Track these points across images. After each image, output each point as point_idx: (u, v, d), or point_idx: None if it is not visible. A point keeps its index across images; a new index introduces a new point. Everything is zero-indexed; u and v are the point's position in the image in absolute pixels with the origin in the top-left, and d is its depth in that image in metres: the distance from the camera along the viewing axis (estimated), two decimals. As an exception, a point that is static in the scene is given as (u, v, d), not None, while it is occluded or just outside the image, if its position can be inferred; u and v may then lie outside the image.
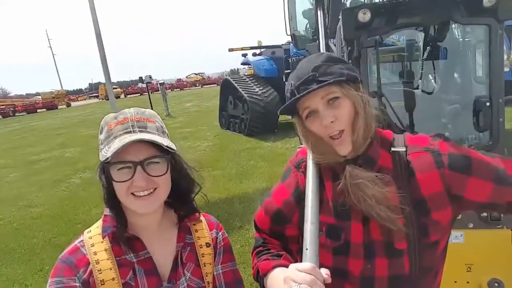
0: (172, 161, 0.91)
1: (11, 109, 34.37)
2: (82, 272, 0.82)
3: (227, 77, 11.32)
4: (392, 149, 0.91)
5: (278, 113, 1.00)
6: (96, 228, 0.89)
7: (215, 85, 42.13)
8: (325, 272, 0.73)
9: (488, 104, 1.73)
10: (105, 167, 0.84)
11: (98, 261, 0.83)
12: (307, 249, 0.78)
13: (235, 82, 9.85)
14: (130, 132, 0.83)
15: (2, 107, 35.06)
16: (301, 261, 0.78)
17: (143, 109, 0.90)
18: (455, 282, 1.73)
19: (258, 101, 8.99)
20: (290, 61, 8.93)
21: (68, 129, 15.68)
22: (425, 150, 0.88)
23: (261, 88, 9.37)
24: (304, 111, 0.89)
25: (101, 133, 0.86)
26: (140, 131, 0.83)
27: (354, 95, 0.86)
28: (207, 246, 0.98)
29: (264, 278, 0.90)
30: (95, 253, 0.84)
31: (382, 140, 0.92)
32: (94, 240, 0.86)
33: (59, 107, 38.24)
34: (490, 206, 0.87)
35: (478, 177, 0.84)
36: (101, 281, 0.82)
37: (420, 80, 2.36)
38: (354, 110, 0.86)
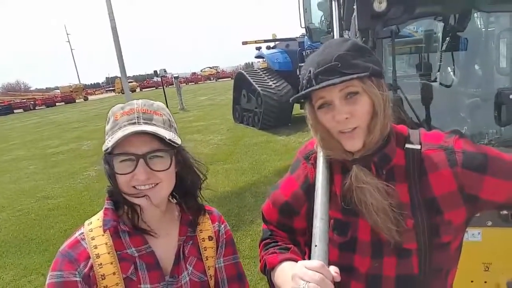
0: (179, 156, 0.88)
1: (32, 103, 35.23)
2: (83, 266, 0.81)
3: (241, 70, 11.28)
4: (406, 145, 0.86)
5: (290, 100, 0.99)
6: (97, 221, 0.87)
7: (230, 78, 42.12)
8: (334, 270, 0.70)
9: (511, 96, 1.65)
10: (108, 158, 0.82)
11: (98, 255, 0.82)
12: (316, 246, 0.74)
13: (249, 76, 9.79)
14: (134, 123, 0.80)
15: (24, 101, 36.05)
16: (309, 255, 0.75)
17: (152, 101, 0.88)
18: (472, 281, 1.67)
19: (272, 95, 8.92)
20: (304, 54, 8.80)
21: (85, 123, 15.98)
22: (438, 147, 0.84)
23: (274, 81, 9.28)
24: (318, 101, 0.83)
25: (107, 123, 0.85)
26: (145, 123, 0.81)
27: (376, 93, 0.80)
28: (209, 240, 0.96)
29: (271, 271, 0.88)
30: (95, 247, 0.83)
31: (397, 136, 0.87)
32: (94, 233, 0.85)
33: (76, 100, 38.99)
34: (510, 206, 0.84)
35: (495, 176, 0.80)
36: (101, 275, 0.80)
37: (438, 73, 2.28)
38: (373, 109, 0.80)
